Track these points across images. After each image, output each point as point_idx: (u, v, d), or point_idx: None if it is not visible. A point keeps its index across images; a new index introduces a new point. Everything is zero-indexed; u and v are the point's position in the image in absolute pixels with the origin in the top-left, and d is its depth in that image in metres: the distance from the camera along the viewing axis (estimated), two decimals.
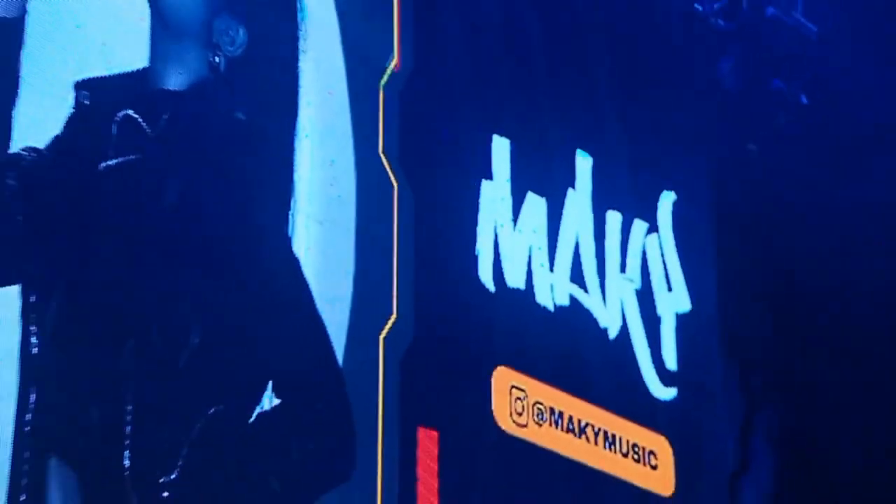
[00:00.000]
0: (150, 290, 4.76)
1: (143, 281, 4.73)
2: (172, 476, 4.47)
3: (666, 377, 7.22)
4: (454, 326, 6.01)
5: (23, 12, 4.31)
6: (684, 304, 7.47)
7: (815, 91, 8.77)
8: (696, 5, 8.12)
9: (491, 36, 6.78)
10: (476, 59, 6.60)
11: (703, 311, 7.75)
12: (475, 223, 6.19)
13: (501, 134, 6.46)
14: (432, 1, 6.40)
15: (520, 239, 6.43)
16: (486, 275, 6.16)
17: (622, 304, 7.01)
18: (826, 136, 8.86)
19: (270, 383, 5.05)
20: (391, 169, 5.70)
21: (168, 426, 4.63)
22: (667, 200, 7.48)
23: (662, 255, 7.42)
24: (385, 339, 5.45)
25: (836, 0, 8.92)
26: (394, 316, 5.57)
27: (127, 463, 4.37)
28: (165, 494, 4.48)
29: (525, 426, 6.12)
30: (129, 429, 4.43)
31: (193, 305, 4.86)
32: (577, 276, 6.73)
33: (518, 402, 6.16)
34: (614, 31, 7.64)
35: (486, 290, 6.18)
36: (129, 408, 4.47)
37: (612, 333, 6.88)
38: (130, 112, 4.67)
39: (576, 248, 6.76)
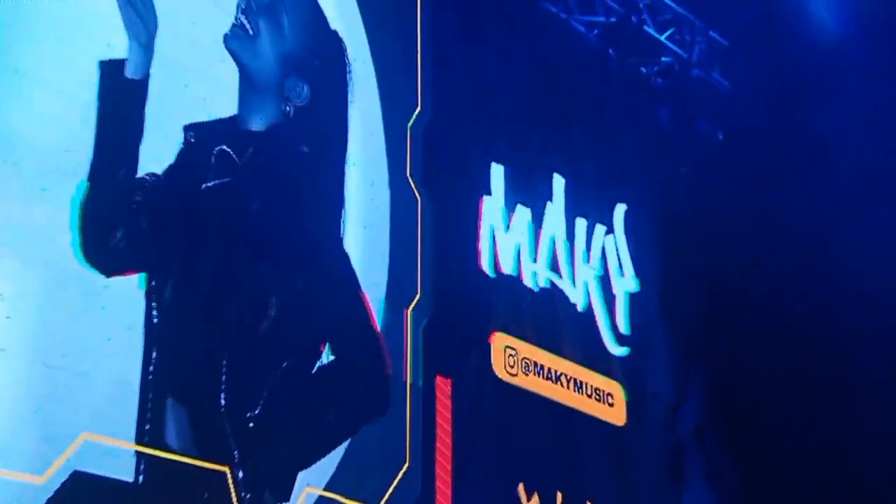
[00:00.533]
0: (240, 276, 5.00)
1: (235, 269, 4.98)
2: (256, 412, 4.64)
3: (620, 339, 7.35)
4: (463, 302, 6.19)
5: (146, 76, 4.56)
6: (634, 285, 7.59)
7: (728, 129, 8.94)
8: (641, 68, 8.27)
9: (490, 87, 6.90)
10: (478, 105, 6.73)
11: (649, 291, 7.84)
12: (477, 227, 6.37)
13: (498, 162, 6.63)
14: (445, 61, 6.52)
15: (511, 238, 6.55)
16: (486, 265, 6.32)
17: (587, 286, 7.11)
18: (738, 161, 8.95)
19: (328, 344, 5.23)
20: (416, 187, 5.84)
21: (253, 375, 4.78)
22: (620, 210, 7.62)
23: (617, 250, 7.54)
24: (411, 312, 5.62)
25: (744, 64, 9.00)
26: (418, 295, 5.74)
27: (223, 402, 4.54)
28: (251, 425, 4.64)
29: (516, 376, 6.26)
30: (224, 377, 4.60)
31: (272, 287, 5.02)
32: (553, 266, 6.87)
33: (510, 358, 6.32)
34: (583, 86, 7.78)
35: (487, 275, 6.39)
36: (224, 362, 4.65)
37: (580, 308, 7.01)
38: (224, 147, 4.86)
39: (552, 245, 6.89)
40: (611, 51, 7.95)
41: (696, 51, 8.31)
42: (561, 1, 7.53)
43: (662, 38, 8.11)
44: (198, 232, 4.80)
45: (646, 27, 8.03)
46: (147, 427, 4.28)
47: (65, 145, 4.31)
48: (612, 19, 7.87)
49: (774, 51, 9.27)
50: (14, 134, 4.15)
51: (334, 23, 5.81)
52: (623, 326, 7.38)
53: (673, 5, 8.28)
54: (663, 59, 8.23)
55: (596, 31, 7.89)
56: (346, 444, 5.25)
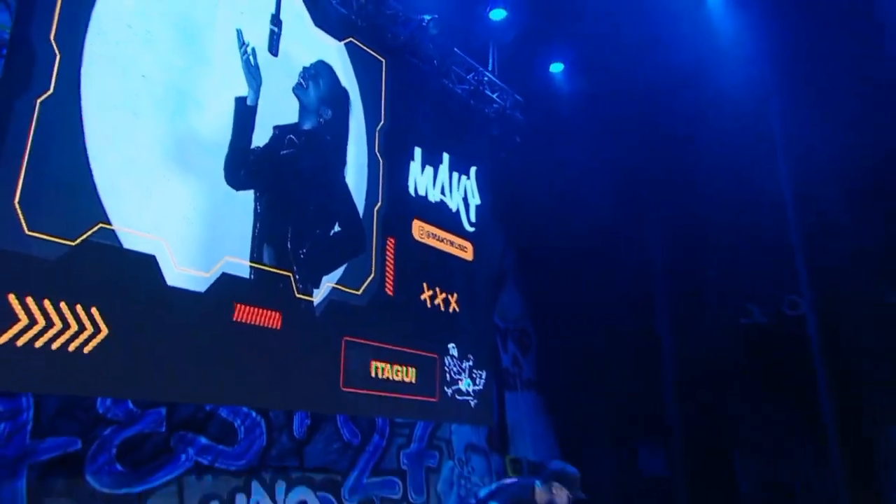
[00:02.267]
0: (298, 194, 5.38)
1: (296, 191, 5.37)
2: (304, 250, 5.25)
3: (471, 224, 7.39)
4: (401, 207, 6.43)
5: (256, 102, 5.06)
6: (478, 201, 7.54)
7: (526, 136, 8.31)
8: (485, 109, 7.69)
9: (418, 119, 6.82)
10: (410, 126, 6.71)
11: (485, 204, 7.69)
12: (407, 175, 6.57)
13: (419, 146, 6.78)
14: (395, 106, 6.48)
15: (423, 180, 6.77)
16: (412, 191, 6.64)
17: (456, 201, 7.19)
18: (533, 151, 8.44)
19: (337, 223, 5.73)
20: (380, 156, 6.20)
21: (303, 235, 5.28)
22: (473, 169, 7.52)
23: (470, 187, 7.44)
24: (377, 211, 6.05)
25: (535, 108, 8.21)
26: (379, 203, 6.09)
27: (289, 245, 5.15)
28: (302, 256, 5.17)
29: (427, 238, 6.66)
30: (290, 235, 5.14)
31: (311, 198, 5.50)
32: (442, 191, 7.01)
33: (421, 231, 6.64)
34: (452, 115, 7.37)
35: (411, 195, 6.58)
36: (290, 229, 5.19)
37: (453, 209, 7.12)
38: (291, 136, 5.34)
39: (442, 183, 7.03)
40: (472, 101, 7.52)
41: (508, 102, 7.76)
42: (451, 75, 7.18)
43: (494, 96, 7.60)
44: (279, 174, 5.21)
45: (486, 90, 7.52)
46: (254, 255, 4.89)
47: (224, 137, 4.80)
48: (470, 86, 7.36)
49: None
50: (197, 135, 4.62)
51: (343, 83, 6.00)
52: (472, 218, 7.40)
53: (498, 82, 7.63)
54: (494, 105, 7.68)
55: (463, 88, 7.35)
56: (345, 265, 5.72)
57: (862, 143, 6.39)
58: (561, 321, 8.61)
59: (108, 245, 3.90)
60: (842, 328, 6.62)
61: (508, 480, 4.88)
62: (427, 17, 6.22)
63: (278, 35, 5.37)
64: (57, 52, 3.80)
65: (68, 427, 4.27)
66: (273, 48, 5.31)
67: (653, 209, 8.42)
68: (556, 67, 8.02)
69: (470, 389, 6.81)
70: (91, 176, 3.88)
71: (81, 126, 3.88)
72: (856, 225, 6.64)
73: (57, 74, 3.78)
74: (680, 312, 8.01)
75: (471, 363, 6.87)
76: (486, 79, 7.35)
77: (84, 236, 3.78)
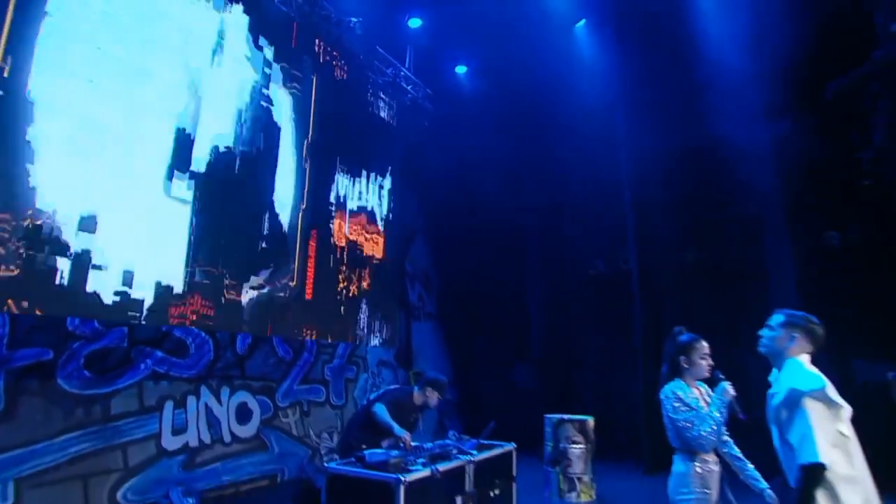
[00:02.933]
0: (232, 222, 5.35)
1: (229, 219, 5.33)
2: None
3: (386, 218, 7.31)
4: (321, 210, 6.28)
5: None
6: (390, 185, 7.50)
7: (433, 122, 8.23)
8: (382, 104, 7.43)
9: (344, 123, 6.64)
10: (336, 141, 6.51)
11: (408, 198, 7.83)
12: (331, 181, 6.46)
13: (339, 156, 6.56)
14: (325, 110, 6.27)
15: (345, 185, 6.64)
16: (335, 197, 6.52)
17: (375, 196, 7.13)
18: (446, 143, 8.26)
19: (263, 236, 5.69)
20: (307, 163, 6.07)
21: None
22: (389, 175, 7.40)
23: (386, 187, 7.37)
24: (302, 211, 6.03)
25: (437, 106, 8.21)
26: (304, 205, 6.05)
27: None
28: None
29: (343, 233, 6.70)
30: None
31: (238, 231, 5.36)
32: (365, 197, 6.95)
33: (340, 227, 6.54)
34: (370, 127, 7.17)
35: (334, 200, 6.49)
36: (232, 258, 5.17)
37: (372, 208, 7.08)
38: (228, 156, 5.38)
39: (365, 189, 6.95)
40: (386, 97, 7.29)
41: (420, 93, 7.73)
42: (374, 67, 6.92)
43: (408, 88, 7.56)
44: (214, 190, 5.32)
45: (402, 83, 7.44)
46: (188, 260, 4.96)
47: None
48: (388, 78, 7.22)
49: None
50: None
51: (277, 101, 5.74)
52: (385, 210, 7.33)
53: (412, 77, 7.61)
54: (408, 95, 7.60)
55: (384, 79, 7.19)
56: (269, 271, 5.66)
57: (679, 144, 6.99)
58: (456, 269, 8.76)
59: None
60: (653, 278, 7.17)
61: (393, 387, 5.04)
62: (354, 20, 6.22)
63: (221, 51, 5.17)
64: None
65: (41, 340, 4.15)
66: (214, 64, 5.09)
67: (529, 185, 8.58)
68: (461, 69, 8.21)
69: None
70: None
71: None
72: (668, 203, 7.11)
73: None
74: (545, 265, 8.60)
75: (378, 322, 7.09)
76: (402, 73, 7.45)
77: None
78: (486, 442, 3.73)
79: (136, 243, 4.31)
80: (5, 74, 3.51)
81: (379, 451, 3.20)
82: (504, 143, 8.24)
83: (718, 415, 2.20)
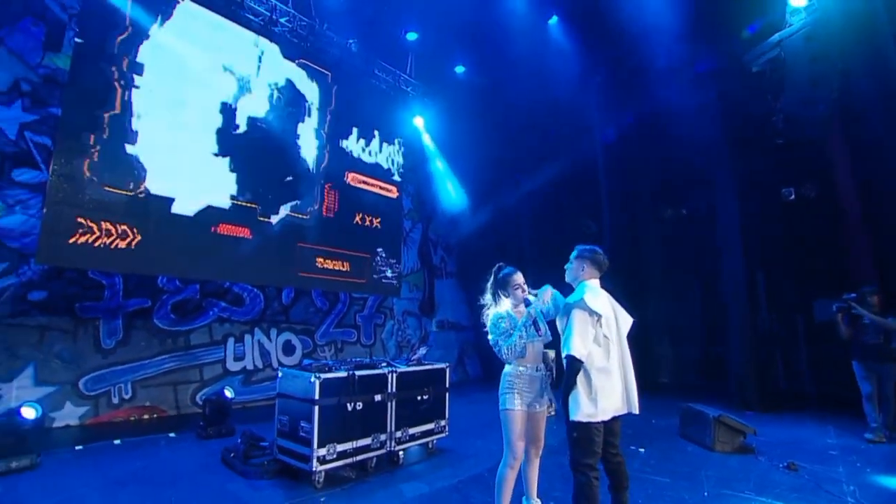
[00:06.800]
0: (265, 167, 5.82)
1: (261, 166, 5.77)
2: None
3: (398, 174, 7.40)
4: (338, 165, 6.59)
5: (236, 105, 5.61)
6: (402, 161, 7.57)
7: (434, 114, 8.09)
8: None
9: (358, 100, 6.78)
10: (352, 106, 6.71)
11: (417, 159, 7.88)
12: (347, 143, 6.85)
13: (356, 126, 6.75)
14: (342, 91, 6.43)
15: (360, 147, 6.93)
16: (351, 152, 6.81)
17: (384, 157, 7.26)
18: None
19: (290, 176, 6.02)
20: (328, 132, 6.42)
21: None
22: (397, 139, 7.46)
23: (396, 151, 7.47)
24: (322, 168, 6.35)
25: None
26: (325, 162, 6.40)
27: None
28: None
29: (357, 184, 6.87)
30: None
31: (270, 174, 5.92)
32: (375, 153, 7.16)
33: (355, 178, 6.82)
34: (381, 103, 7.23)
35: (350, 158, 6.72)
36: (266, 193, 5.80)
37: (384, 165, 7.27)
38: (261, 123, 5.78)
39: (375, 148, 7.14)
40: (391, 92, 7.13)
41: (419, 91, 7.43)
42: (376, 74, 6.87)
43: (408, 90, 7.28)
44: (249, 147, 5.71)
45: (402, 85, 7.22)
46: (232, 195, 5.39)
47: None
48: (389, 84, 6.99)
49: None
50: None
51: (302, 89, 6.18)
52: (400, 166, 7.57)
53: (412, 80, 7.31)
54: (409, 93, 7.34)
55: (386, 81, 7.04)
56: (296, 201, 6.01)
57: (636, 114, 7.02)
58: (471, 237, 9.24)
59: (147, 193, 4.85)
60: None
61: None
62: (351, 41, 6.66)
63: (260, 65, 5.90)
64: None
65: (142, 293, 5.30)
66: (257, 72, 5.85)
67: (521, 165, 8.65)
68: (459, 69, 8.27)
69: (392, 275, 7.61)
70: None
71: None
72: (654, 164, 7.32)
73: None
74: (538, 230, 8.58)
75: (394, 261, 7.57)
76: (402, 77, 7.69)
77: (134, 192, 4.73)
78: (423, 361, 4.02)
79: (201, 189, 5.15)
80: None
81: (330, 361, 3.73)
82: (494, 128, 8.38)
83: (524, 333, 2.30)
